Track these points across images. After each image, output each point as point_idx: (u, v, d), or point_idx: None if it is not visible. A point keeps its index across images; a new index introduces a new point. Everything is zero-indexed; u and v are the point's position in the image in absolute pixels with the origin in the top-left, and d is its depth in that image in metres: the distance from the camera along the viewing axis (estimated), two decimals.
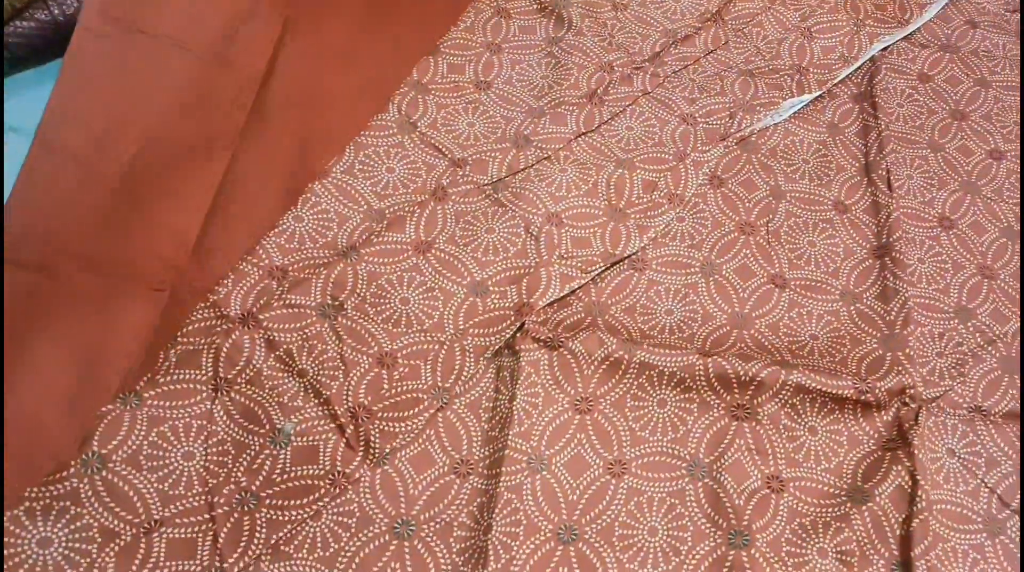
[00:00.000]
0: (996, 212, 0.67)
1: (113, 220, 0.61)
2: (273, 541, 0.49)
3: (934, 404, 0.57)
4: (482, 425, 0.55)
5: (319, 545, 0.50)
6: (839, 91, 0.73)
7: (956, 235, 0.66)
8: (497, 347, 0.57)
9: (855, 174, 0.68)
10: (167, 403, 0.50)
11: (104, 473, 0.48)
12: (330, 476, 0.51)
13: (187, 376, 0.51)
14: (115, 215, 0.61)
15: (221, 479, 0.49)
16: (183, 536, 0.48)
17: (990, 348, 0.60)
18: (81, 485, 0.47)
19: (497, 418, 0.55)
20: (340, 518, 0.51)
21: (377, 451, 0.52)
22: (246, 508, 0.49)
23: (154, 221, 0.61)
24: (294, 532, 0.49)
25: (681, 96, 0.70)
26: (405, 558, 0.50)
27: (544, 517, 0.51)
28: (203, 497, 0.49)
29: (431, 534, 0.51)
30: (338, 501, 0.51)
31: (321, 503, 0.50)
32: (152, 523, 0.48)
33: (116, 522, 0.47)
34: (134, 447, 0.49)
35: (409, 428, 0.53)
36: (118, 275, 0.58)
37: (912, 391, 0.56)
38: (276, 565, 0.49)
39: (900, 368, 0.57)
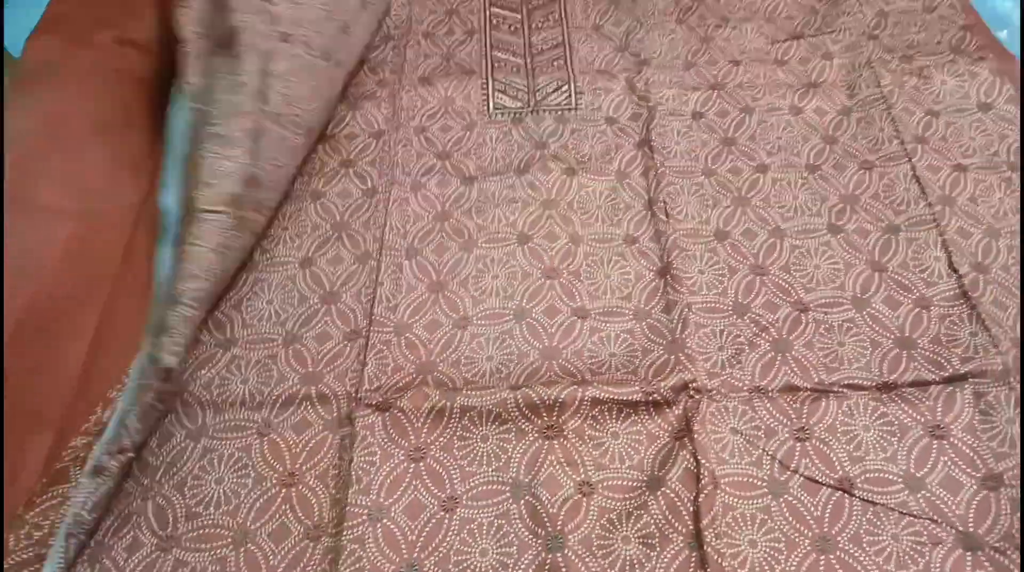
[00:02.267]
0: (764, 217, 0.78)
1: (14, 367, 0.71)
2: None
3: (715, 392, 0.65)
4: (330, 492, 0.63)
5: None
6: (624, 143, 0.85)
7: (730, 244, 0.76)
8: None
9: (640, 209, 0.79)
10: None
11: None
12: None
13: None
14: (15, 362, 0.71)
15: None
16: None
17: (764, 334, 0.69)
18: None
19: (340, 482, 0.63)
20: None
21: None
22: None
23: (50, 365, 0.71)
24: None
25: None
26: None
27: (386, 559, 0.59)
28: None
29: None
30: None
31: None
32: None
33: None
34: None
35: None
36: (21, 417, 0.68)
37: (695, 384, 0.65)
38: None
39: (681, 367, 0.66)
